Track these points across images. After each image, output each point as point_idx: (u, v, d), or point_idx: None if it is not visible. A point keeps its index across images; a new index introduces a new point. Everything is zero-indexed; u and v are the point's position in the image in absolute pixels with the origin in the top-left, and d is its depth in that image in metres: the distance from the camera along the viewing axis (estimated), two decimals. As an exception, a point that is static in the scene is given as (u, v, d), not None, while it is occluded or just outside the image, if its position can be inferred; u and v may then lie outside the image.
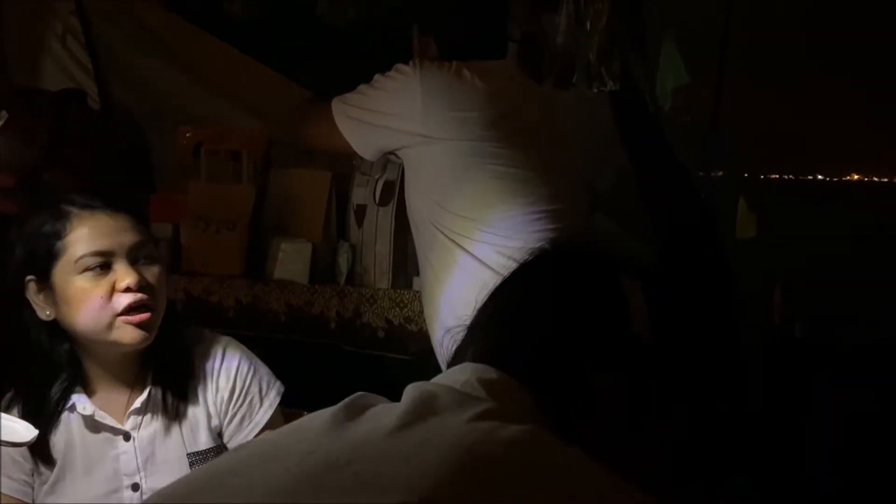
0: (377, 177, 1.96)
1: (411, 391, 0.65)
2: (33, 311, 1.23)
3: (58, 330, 1.24)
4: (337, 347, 1.94)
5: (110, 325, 1.21)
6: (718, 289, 1.40)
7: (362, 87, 1.68)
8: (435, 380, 0.69)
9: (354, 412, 0.63)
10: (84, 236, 1.20)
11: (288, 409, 1.97)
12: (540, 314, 0.73)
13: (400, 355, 1.90)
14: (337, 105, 1.69)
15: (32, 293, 1.23)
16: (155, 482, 1.26)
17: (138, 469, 1.27)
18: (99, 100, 2.55)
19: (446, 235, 1.61)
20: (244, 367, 1.34)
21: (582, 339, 0.71)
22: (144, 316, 1.22)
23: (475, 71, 1.62)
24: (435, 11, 1.74)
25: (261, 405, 1.34)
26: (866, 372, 2.24)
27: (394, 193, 1.94)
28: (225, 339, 1.37)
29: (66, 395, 1.25)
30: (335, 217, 2.03)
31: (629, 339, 0.71)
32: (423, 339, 1.78)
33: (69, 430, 1.26)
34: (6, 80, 2.37)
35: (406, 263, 1.98)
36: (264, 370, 1.37)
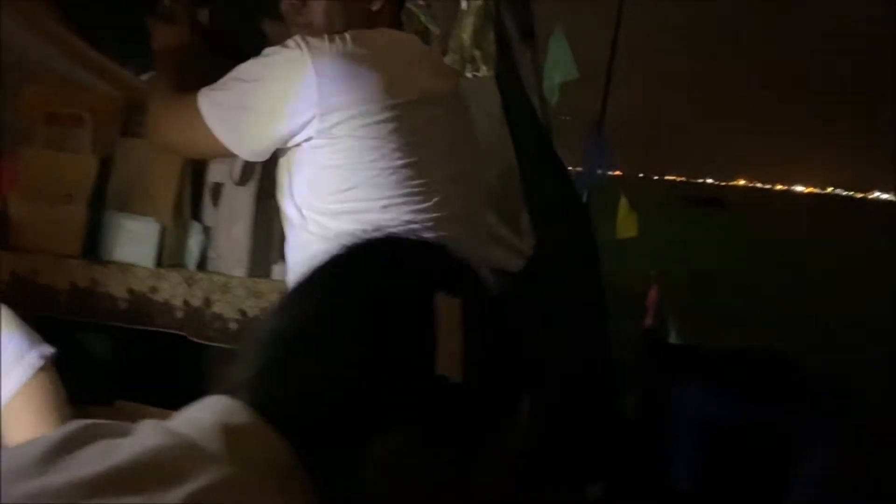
0: (236, 154, 1.79)
1: (114, 445, 0.50)
2: None
3: None
4: (183, 339, 1.77)
5: None
6: (586, 289, 1.34)
7: (234, 75, 1.40)
8: (175, 419, 0.55)
9: (72, 447, 0.49)
10: None
11: (126, 403, 1.81)
12: (328, 335, 0.57)
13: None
14: (205, 98, 1.40)
15: None
16: None
17: None
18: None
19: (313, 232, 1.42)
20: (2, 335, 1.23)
21: (376, 378, 0.55)
22: None
23: (370, 44, 1.38)
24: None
25: (17, 367, 1.23)
26: (732, 377, 2.27)
27: (255, 172, 1.79)
28: None
29: None
30: (189, 195, 1.86)
31: (432, 379, 0.55)
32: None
33: None
34: None
35: (268, 249, 1.83)
36: (23, 331, 1.28)
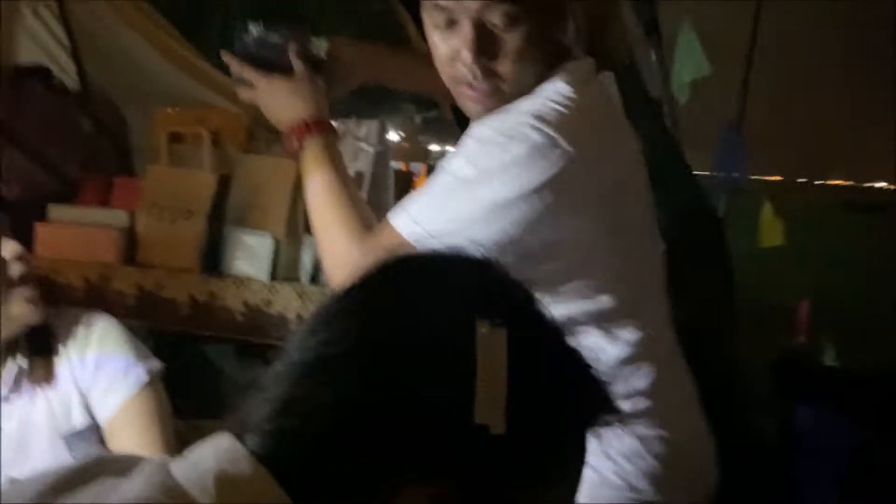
0: (348, 166, 1.77)
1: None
2: None
3: None
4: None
5: None
6: (715, 301, 1.19)
7: (451, 185, 1.02)
8: (181, 459, 0.49)
9: (76, 483, 0.45)
10: None
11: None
12: (345, 372, 0.49)
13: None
14: (413, 224, 1.03)
15: None
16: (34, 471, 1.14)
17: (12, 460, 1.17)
18: (76, 78, 2.44)
19: None
20: (107, 343, 1.30)
21: (400, 425, 0.47)
22: None
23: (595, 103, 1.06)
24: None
25: (124, 381, 1.29)
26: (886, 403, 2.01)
27: (364, 185, 1.76)
28: (94, 315, 1.34)
29: None
30: (302, 209, 1.86)
31: (469, 428, 0.45)
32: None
33: None
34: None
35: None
36: (131, 346, 1.32)
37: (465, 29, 0.97)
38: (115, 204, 1.95)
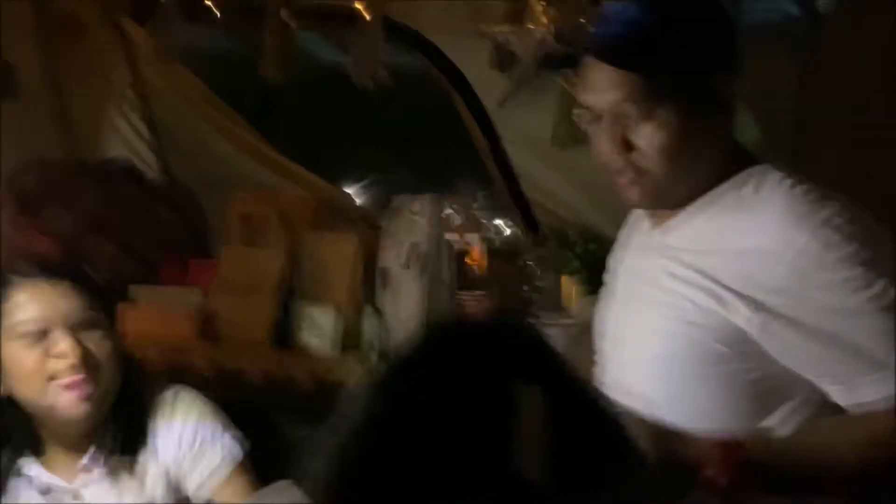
0: (402, 239, 1.88)
1: None
2: None
3: (10, 400, 1.22)
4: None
5: (44, 392, 1.18)
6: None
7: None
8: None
9: None
10: (22, 303, 1.20)
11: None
12: (393, 437, 0.53)
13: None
14: None
15: None
16: None
17: None
18: (158, 169, 2.64)
19: None
20: (197, 421, 1.31)
21: (448, 485, 0.50)
22: (79, 385, 1.18)
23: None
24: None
25: (215, 458, 1.30)
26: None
27: (419, 256, 1.85)
28: (183, 392, 1.34)
29: (13, 460, 1.22)
30: (364, 282, 1.96)
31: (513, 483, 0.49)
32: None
33: (21, 495, 1.23)
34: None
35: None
36: (219, 424, 1.33)
37: (605, 123, 1.01)
38: (192, 283, 2.10)
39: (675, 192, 1.04)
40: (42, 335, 1.18)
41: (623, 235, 1.22)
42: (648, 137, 1.00)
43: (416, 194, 2.01)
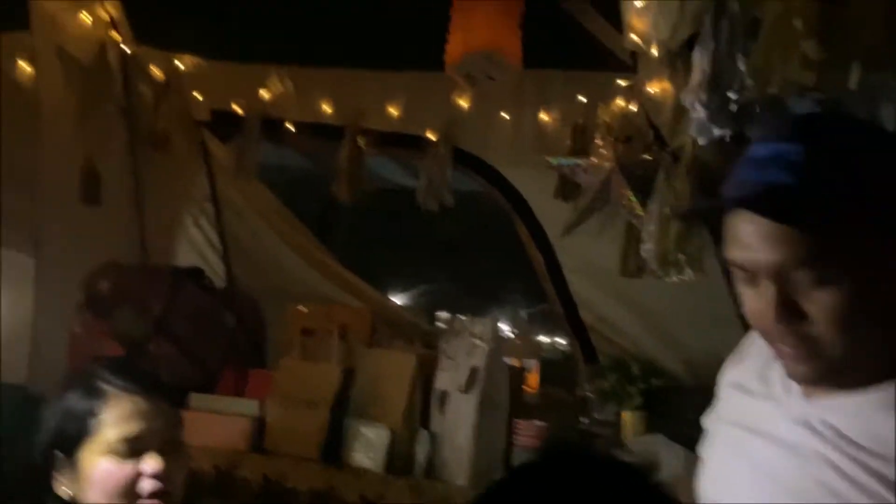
0: (462, 361, 1.87)
1: None
2: (51, 488, 1.21)
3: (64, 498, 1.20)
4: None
5: None
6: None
7: None
8: None
9: None
10: (117, 418, 1.19)
11: None
12: None
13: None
14: None
15: (57, 469, 1.21)
16: None
17: None
18: (225, 278, 2.72)
19: None
20: None
21: None
22: None
23: None
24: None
25: None
26: None
27: (478, 380, 1.84)
28: None
29: None
30: (419, 402, 1.94)
31: None
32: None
33: None
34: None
35: (490, 459, 1.84)
36: None
37: (769, 290, 0.84)
38: (249, 394, 2.11)
39: (848, 374, 0.86)
40: (136, 453, 1.18)
41: (737, 377, 1.00)
42: (824, 305, 0.83)
43: (474, 313, 2.02)
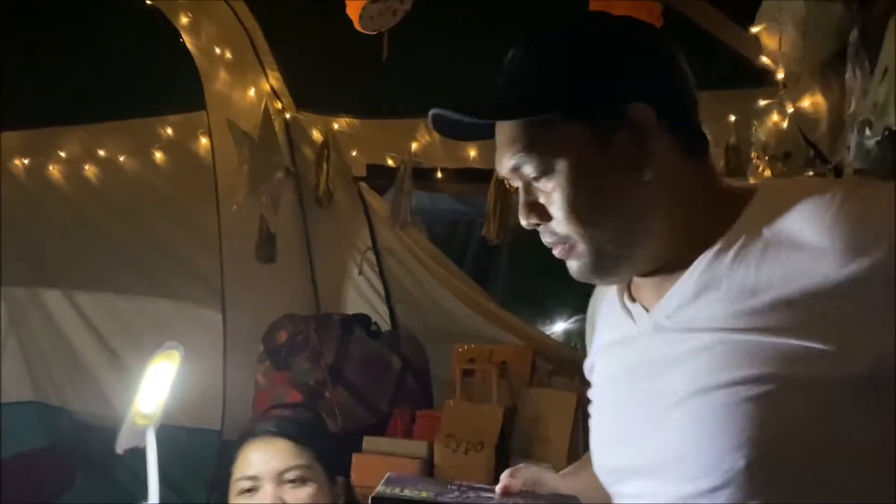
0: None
1: None
2: None
3: None
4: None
5: None
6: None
7: None
8: None
9: None
10: (243, 461, 1.33)
11: None
12: None
13: None
14: None
15: None
16: None
17: None
18: (389, 321, 2.85)
19: None
20: None
21: None
22: None
23: None
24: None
25: None
26: None
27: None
28: None
29: None
30: (582, 440, 1.93)
31: None
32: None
33: None
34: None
35: None
36: None
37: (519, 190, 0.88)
38: (417, 435, 2.19)
39: (632, 257, 0.86)
40: (253, 491, 1.31)
41: (597, 342, 0.99)
42: (551, 198, 0.84)
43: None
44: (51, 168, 3.00)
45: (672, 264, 0.86)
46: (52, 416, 3.12)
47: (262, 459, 1.35)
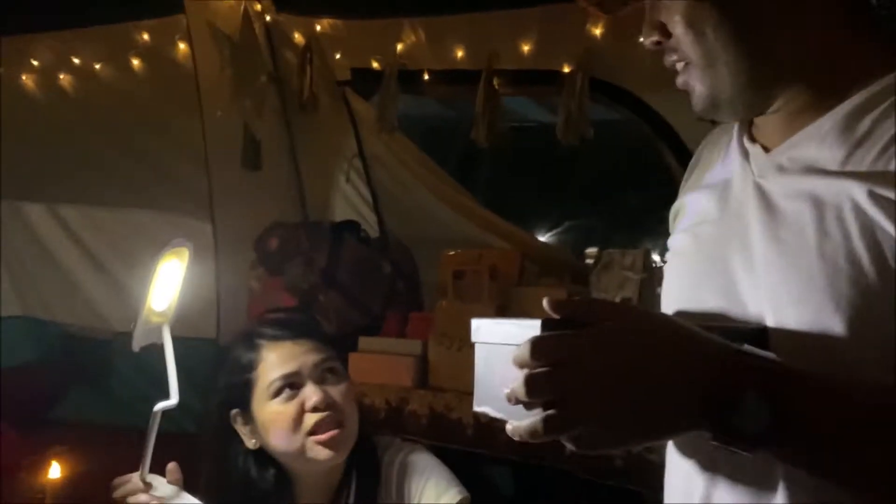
0: (613, 294, 1.89)
1: None
2: (240, 442, 1.32)
3: (263, 456, 1.31)
4: (571, 474, 1.85)
5: (302, 446, 1.27)
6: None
7: None
8: None
9: None
10: (273, 363, 1.30)
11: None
12: None
13: (639, 488, 1.75)
14: None
15: (239, 425, 1.32)
16: None
17: None
18: (378, 228, 2.86)
19: None
20: (420, 475, 1.35)
21: None
22: (333, 433, 1.27)
23: None
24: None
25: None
26: None
27: (630, 311, 1.85)
28: (408, 446, 1.40)
29: None
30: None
31: None
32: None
33: None
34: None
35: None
36: (443, 475, 1.36)
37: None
38: (411, 335, 2.24)
39: (756, 86, 0.79)
40: (295, 389, 1.30)
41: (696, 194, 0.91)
42: (673, 13, 0.80)
43: (625, 247, 2.01)
44: (24, 78, 2.91)
45: (807, 106, 0.80)
46: (41, 329, 3.12)
47: (297, 358, 1.31)
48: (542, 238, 4.39)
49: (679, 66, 0.82)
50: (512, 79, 2.29)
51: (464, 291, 2.21)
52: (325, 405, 1.27)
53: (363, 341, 2.18)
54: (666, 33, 0.81)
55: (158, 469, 1.20)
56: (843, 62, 0.79)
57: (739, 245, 0.81)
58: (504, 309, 2.10)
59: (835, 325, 0.73)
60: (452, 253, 2.34)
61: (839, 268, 0.73)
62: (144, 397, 1.21)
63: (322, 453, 1.27)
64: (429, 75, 2.45)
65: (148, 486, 1.16)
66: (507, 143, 2.32)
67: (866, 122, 0.76)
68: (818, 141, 0.78)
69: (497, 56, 2.28)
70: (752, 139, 0.85)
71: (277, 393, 1.29)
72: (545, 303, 0.72)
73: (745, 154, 0.85)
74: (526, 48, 2.24)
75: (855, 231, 0.73)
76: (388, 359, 2.12)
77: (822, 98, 0.79)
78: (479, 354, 0.80)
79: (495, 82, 2.24)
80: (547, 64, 2.24)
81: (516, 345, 0.71)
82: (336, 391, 1.30)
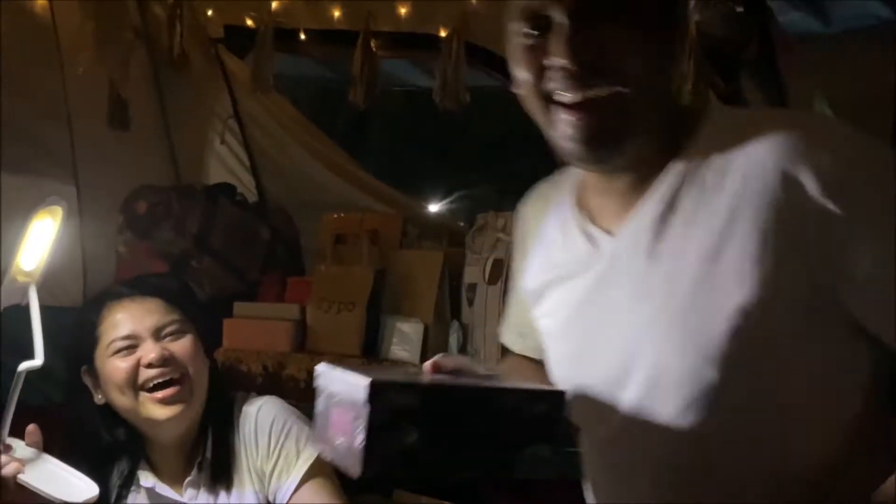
0: (486, 255, 1.94)
1: None
2: (90, 397, 1.34)
3: (112, 412, 1.33)
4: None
5: (137, 401, 1.29)
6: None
7: None
8: None
9: None
10: (114, 322, 1.31)
11: (404, 494, 1.96)
12: None
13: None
14: None
15: (89, 381, 1.34)
16: None
17: None
18: (256, 192, 2.79)
19: None
20: (278, 424, 1.36)
21: None
22: (169, 391, 1.28)
23: None
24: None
25: (297, 459, 1.34)
26: None
27: (502, 272, 1.90)
28: (264, 399, 1.41)
29: (130, 473, 1.32)
30: (449, 297, 2.03)
31: None
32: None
33: None
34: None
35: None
36: (302, 425, 1.37)
37: (561, 29, 0.82)
38: (289, 300, 2.22)
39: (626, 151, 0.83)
40: (133, 348, 1.30)
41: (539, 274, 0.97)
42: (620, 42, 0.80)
43: (502, 209, 2.06)
44: None
45: (637, 172, 0.85)
46: None
47: (137, 317, 1.32)
48: (436, 204, 4.42)
49: (589, 93, 0.80)
50: (390, 41, 2.28)
51: (344, 255, 2.21)
52: (162, 361, 1.28)
53: (238, 307, 2.15)
54: (598, 57, 0.79)
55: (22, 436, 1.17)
56: (668, 128, 0.85)
57: (611, 317, 0.87)
58: (384, 272, 2.12)
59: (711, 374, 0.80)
60: (334, 216, 2.33)
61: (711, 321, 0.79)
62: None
63: (159, 412, 1.28)
64: (305, 34, 2.40)
65: (8, 448, 1.13)
66: (397, 107, 2.32)
67: (689, 190, 0.83)
68: (654, 221, 0.84)
69: (374, 17, 2.26)
70: (588, 219, 0.91)
71: (118, 351, 1.30)
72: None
73: (587, 236, 0.90)
74: (403, 10, 2.23)
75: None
76: (264, 324, 2.10)
77: (652, 161, 0.85)
78: (319, 398, 0.83)
79: (373, 44, 2.22)
80: (424, 27, 2.24)
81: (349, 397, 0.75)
82: (177, 346, 1.31)
